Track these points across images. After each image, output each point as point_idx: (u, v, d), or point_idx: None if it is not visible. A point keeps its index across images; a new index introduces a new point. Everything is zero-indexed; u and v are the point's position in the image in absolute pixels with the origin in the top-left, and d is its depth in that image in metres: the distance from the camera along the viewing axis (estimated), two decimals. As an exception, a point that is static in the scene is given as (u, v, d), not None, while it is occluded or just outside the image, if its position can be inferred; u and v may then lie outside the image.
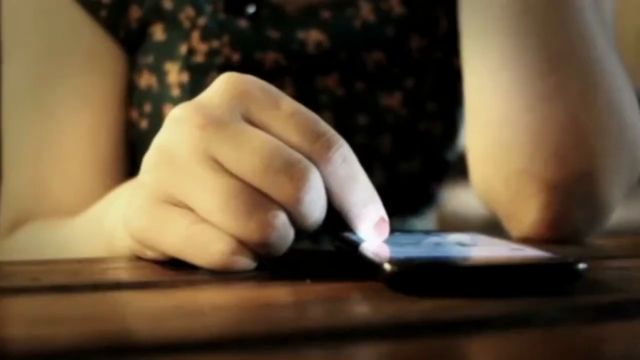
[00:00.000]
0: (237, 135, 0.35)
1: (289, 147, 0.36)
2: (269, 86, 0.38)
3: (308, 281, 0.35)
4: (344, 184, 0.36)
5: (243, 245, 0.35)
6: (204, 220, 0.36)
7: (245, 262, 0.36)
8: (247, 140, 0.35)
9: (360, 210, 0.37)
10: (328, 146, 0.36)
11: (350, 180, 0.37)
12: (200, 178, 0.35)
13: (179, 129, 0.37)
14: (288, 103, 0.37)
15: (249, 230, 0.35)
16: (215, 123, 0.36)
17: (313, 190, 0.35)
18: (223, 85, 0.37)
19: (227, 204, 0.35)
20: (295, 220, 0.36)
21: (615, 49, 0.56)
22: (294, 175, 0.35)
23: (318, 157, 0.36)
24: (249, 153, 0.35)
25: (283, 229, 0.35)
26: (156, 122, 0.62)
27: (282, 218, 0.35)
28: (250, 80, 0.38)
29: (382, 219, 0.38)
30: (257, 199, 0.35)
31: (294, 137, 0.36)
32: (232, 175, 0.35)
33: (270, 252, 0.36)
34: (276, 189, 0.35)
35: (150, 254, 0.39)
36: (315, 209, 0.36)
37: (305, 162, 0.35)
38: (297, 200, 0.35)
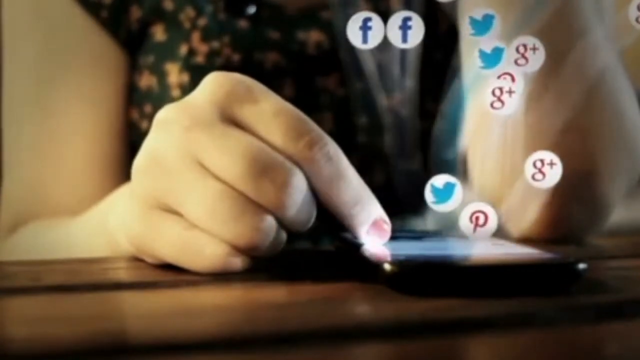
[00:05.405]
0: (221, 139, 0.35)
1: (273, 149, 0.35)
2: (255, 85, 0.37)
3: (308, 281, 0.35)
4: (330, 183, 0.36)
5: (235, 247, 0.35)
6: (195, 225, 0.36)
7: (241, 263, 0.35)
8: (230, 143, 0.35)
9: (350, 210, 0.36)
10: (311, 146, 0.35)
11: (337, 180, 0.36)
12: (187, 184, 0.35)
13: (165, 133, 0.36)
14: (272, 102, 0.36)
15: (237, 235, 0.34)
16: (200, 125, 0.36)
17: (296, 193, 0.35)
18: (209, 86, 0.37)
19: (215, 209, 0.34)
20: (282, 223, 0.36)
21: (616, 47, 0.56)
22: (276, 179, 0.34)
23: (301, 157, 0.35)
24: (232, 157, 0.35)
25: (271, 232, 0.35)
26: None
27: (269, 221, 0.35)
28: (236, 80, 0.37)
29: (382, 220, 0.37)
30: (243, 203, 0.34)
31: (278, 138, 0.35)
32: (218, 179, 0.35)
33: (262, 254, 0.36)
34: (259, 193, 0.34)
35: (148, 260, 0.39)
36: (300, 212, 0.35)
37: (288, 164, 0.35)
38: (280, 205, 0.35)
